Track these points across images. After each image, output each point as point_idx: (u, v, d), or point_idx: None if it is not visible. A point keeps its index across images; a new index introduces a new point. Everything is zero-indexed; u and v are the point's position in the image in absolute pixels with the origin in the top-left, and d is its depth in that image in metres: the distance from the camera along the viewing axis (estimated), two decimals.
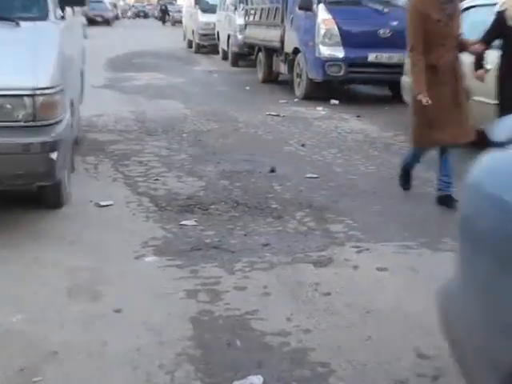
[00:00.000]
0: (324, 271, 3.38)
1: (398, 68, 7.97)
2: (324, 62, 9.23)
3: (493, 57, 5.23)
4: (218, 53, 17.18)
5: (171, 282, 3.22)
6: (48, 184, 3.89)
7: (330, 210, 4.39)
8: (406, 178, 4.86)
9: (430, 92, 4.25)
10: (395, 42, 8.52)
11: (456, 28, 4.40)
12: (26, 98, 3.54)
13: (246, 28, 13.26)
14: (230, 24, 15.45)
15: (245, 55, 14.24)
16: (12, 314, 2.83)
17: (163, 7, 43.35)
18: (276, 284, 3.21)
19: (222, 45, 16.51)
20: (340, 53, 9.19)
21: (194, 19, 19.41)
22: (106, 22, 33.72)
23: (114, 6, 42.86)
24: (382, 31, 9.12)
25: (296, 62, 10.10)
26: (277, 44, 10.86)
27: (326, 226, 4.07)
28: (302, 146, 6.55)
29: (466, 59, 4.81)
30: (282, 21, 10.66)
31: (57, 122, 3.69)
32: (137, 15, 57.12)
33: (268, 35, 11.40)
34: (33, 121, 3.57)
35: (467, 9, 6.33)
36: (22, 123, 3.57)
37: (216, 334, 2.70)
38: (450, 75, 4.35)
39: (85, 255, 3.51)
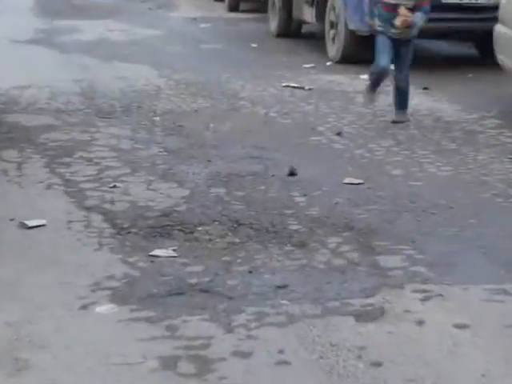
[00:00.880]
0: (372, 329, 3.35)
1: (488, 12, 7.99)
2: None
3: None
4: None
5: (137, 344, 3.19)
6: None
7: (382, 235, 4.38)
8: None
9: None
10: None
11: None
12: None
13: None
14: None
15: None
16: None
17: None
18: (297, 348, 3.19)
19: None
20: None
21: None
22: None
23: None
24: None
25: (329, 5, 10.14)
26: None
27: (375, 259, 4.06)
28: (338, 134, 6.56)
29: None
30: None
31: None
32: None
33: None
34: None
35: None
36: None
37: None
38: None
39: (3, 305, 3.49)
